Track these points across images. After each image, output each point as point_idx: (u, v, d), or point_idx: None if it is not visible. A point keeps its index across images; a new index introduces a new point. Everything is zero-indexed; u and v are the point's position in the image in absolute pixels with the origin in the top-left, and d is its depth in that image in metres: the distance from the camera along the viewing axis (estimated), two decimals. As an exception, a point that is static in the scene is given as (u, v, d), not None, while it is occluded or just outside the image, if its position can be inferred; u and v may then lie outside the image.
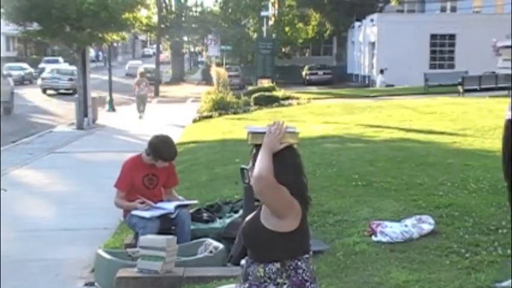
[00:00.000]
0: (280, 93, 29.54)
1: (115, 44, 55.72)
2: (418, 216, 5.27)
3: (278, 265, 2.89)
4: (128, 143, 15.97)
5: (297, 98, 28.03)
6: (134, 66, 47.60)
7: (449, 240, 4.88)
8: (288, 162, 2.95)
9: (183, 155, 12.19)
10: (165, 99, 34.97)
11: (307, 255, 2.97)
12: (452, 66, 38.52)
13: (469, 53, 36.61)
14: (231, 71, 38.10)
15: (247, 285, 2.94)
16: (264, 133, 2.96)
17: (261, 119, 18.82)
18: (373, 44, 41.92)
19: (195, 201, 6.04)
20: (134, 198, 5.62)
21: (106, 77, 28.53)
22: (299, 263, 2.92)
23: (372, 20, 41.92)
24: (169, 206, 5.56)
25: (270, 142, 2.92)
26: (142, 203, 5.56)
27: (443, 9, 50.48)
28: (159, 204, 5.61)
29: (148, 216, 5.46)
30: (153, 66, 46.01)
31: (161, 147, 5.61)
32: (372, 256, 4.67)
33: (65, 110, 25.41)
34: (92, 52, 38.09)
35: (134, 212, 5.54)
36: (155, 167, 5.65)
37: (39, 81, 37.49)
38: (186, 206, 5.71)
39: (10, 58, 50.93)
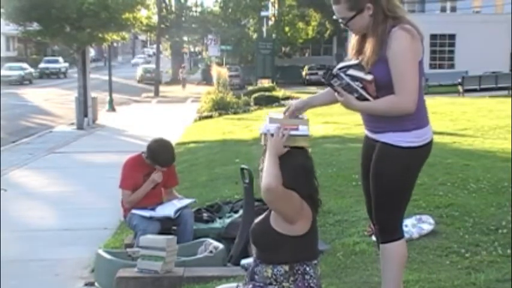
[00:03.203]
0: (280, 93, 29.57)
1: (115, 44, 55.66)
2: (418, 216, 5.26)
3: (286, 268, 2.87)
4: (127, 143, 15.97)
5: (297, 98, 27.99)
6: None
7: (449, 240, 4.87)
8: (298, 165, 2.92)
9: (183, 155, 12.19)
10: (165, 99, 34.97)
11: (315, 261, 2.95)
12: (452, 66, 38.55)
13: (469, 53, 36.63)
14: (231, 71, 38.11)
15: (250, 286, 2.91)
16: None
17: (261, 119, 18.82)
18: (373, 44, 41.83)
19: (193, 200, 6.01)
20: None
21: (106, 77, 28.55)
22: (307, 269, 2.89)
23: (372, 20, 41.86)
24: (169, 212, 5.53)
25: (274, 146, 2.89)
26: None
27: (443, 9, 50.45)
28: (159, 209, 5.59)
29: (148, 215, 5.45)
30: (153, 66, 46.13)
31: (159, 152, 5.57)
32: (372, 256, 4.66)
33: (65, 110, 25.42)
34: (92, 52, 38.12)
35: (135, 211, 5.52)
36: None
37: None
38: (185, 207, 5.69)
39: (10, 58, 50.93)
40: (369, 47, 3.14)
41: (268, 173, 2.82)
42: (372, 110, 3.18)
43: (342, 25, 3.24)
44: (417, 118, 3.17)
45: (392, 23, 3.10)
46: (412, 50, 3.08)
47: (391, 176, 3.22)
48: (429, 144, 3.27)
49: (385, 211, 3.28)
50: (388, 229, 3.30)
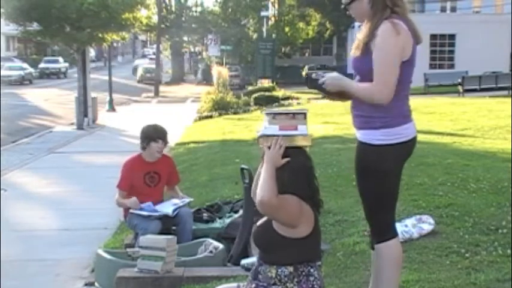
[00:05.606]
0: (280, 93, 29.59)
1: (115, 44, 55.64)
2: (418, 216, 5.26)
3: (291, 269, 2.87)
4: (127, 143, 15.95)
5: (297, 98, 28.05)
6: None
7: (449, 240, 4.87)
8: (299, 166, 2.91)
9: (183, 155, 12.20)
10: (165, 99, 34.97)
11: (319, 263, 2.94)
12: (452, 66, 38.52)
13: (469, 53, 36.61)
14: (231, 71, 38.11)
15: (254, 285, 2.91)
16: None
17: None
18: (373, 44, 41.85)
19: (190, 199, 6.03)
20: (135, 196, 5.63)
21: (106, 77, 28.55)
22: (311, 270, 2.89)
23: (372, 20, 41.83)
24: (167, 210, 5.54)
25: (272, 157, 2.87)
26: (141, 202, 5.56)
27: (443, 9, 50.44)
28: (158, 207, 5.60)
29: (147, 214, 5.46)
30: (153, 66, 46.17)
31: (150, 129, 5.75)
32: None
33: (65, 110, 25.42)
34: (92, 52, 38.12)
35: (134, 211, 5.53)
36: (156, 165, 5.67)
37: None
38: (183, 205, 5.69)
39: (10, 58, 50.92)
40: (362, 31, 3.17)
41: (262, 186, 2.82)
42: (355, 91, 3.15)
43: (346, 12, 3.29)
44: (387, 117, 3.11)
45: (388, 15, 3.10)
46: (395, 44, 3.05)
47: (368, 174, 3.18)
48: (406, 143, 3.17)
49: (371, 211, 3.25)
50: (379, 229, 3.26)
